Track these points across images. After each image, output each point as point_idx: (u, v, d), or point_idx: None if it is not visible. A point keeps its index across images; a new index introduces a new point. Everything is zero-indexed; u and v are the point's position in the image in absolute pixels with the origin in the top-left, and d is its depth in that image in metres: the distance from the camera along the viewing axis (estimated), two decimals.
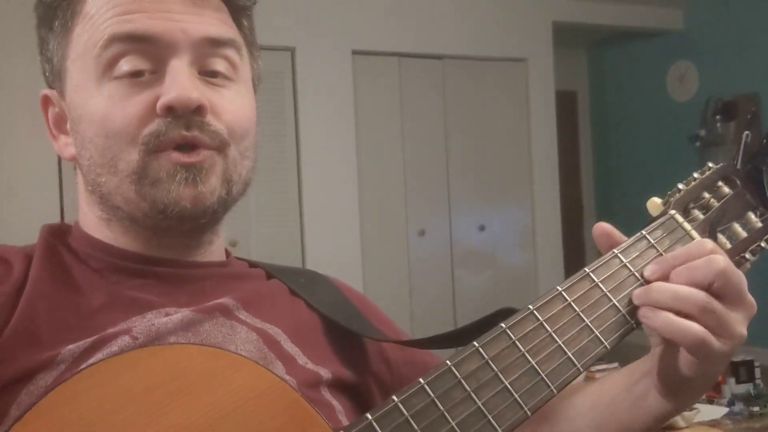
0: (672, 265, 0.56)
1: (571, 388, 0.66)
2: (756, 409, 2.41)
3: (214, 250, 0.69)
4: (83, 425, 0.45)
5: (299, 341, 0.65)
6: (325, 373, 0.64)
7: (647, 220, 0.61)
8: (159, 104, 0.59)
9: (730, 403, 2.43)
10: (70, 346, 0.55)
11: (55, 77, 0.65)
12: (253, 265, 0.73)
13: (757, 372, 2.63)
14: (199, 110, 0.60)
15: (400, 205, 4.40)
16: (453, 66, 4.56)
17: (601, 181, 6.20)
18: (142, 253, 0.64)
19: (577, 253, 5.65)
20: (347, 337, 0.70)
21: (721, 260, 0.54)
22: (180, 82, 0.59)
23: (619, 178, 5.96)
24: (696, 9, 5.30)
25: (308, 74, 4.08)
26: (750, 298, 0.56)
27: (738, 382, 2.56)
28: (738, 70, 4.98)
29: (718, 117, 4.89)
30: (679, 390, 0.57)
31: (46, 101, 0.67)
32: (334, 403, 0.63)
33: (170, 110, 0.59)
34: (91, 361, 0.54)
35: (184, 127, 0.59)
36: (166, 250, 0.65)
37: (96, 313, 0.59)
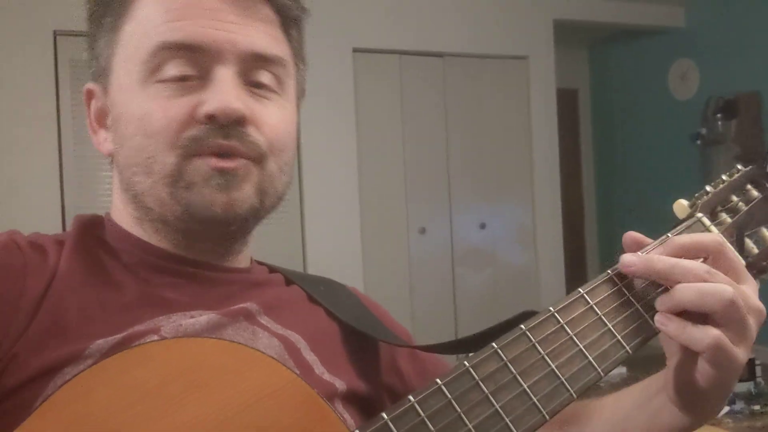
0: (675, 250, 0.56)
1: (584, 401, 0.66)
2: (757, 407, 2.42)
3: (241, 259, 0.70)
4: (96, 419, 0.45)
5: (317, 349, 0.65)
6: (340, 385, 0.64)
7: (674, 222, 0.61)
8: (201, 111, 0.59)
9: (731, 402, 2.43)
10: (99, 341, 0.55)
11: (100, 73, 0.65)
12: (272, 270, 0.73)
13: (758, 370, 2.63)
14: (240, 120, 0.60)
15: (400, 204, 4.39)
16: (454, 64, 4.56)
17: (602, 180, 6.20)
18: (174, 252, 0.64)
19: (577, 251, 5.65)
20: (364, 347, 0.70)
21: (723, 279, 0.53)
22: (225, 91, 0.59)
23: (620, 176, 5.96)
24: (697, 7, 5.28)
25: (308, 72, 4.05)
26: (759, 303, 0.55)
27: (739, 380, 2.56)
28: (739, 69, 4.97)
29: (719, 115, 4.89)
30: (695, 402, 0.56)
31: (90, 95, 0.67)
32: (346, 416, 0.63)
33: (212, 118, 0.59)
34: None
35: (222, 136, 0.59)
36: (195, 254, 0.65)
37: (125, 309, 0.59)
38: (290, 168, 0.67)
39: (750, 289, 0.55)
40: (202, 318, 0.60)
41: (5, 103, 3.42)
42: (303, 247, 4.07)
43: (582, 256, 5.84)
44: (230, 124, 0.59)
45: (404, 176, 4.41)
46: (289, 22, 0.66)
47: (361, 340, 0.69)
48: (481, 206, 4.65)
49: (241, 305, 0.63)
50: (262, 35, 0.63)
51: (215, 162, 0.60)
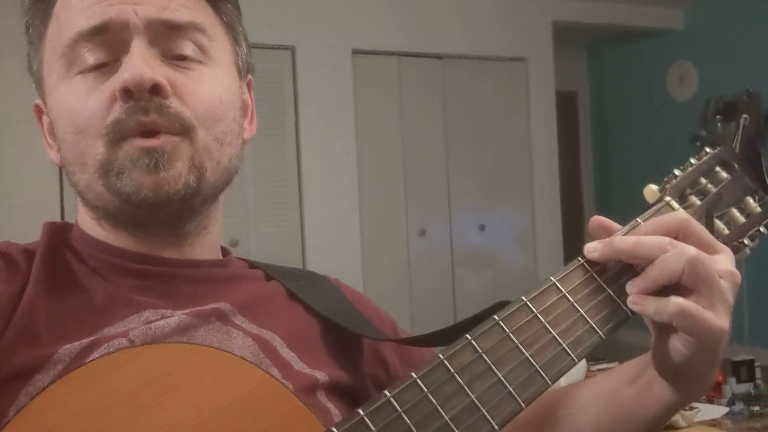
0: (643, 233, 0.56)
1: (574, 383, 0.65)
2: (756, 408, 2.41)
3: (204, 244, 0.67)
4: (70, 429, 0.45)
5: (296, 346, 0.64)
6: (321, 377, 0.63)
7: (645, 207, 0.60)
8: (115, 88, 0.57)
9: (731, 403, 2.43)
10: (67, 346, 0.55)
11: (38, 86, 0.65)
12: (252, 266, 0.72)
13: (758, 372, 2.63)
14: (156, 90, 0.58)
15: (400, 205, 4.39)
16: (453, 65, 4.56)
17: (601, 181, 6.20)
18: (138, 252, 0.63)
19: (577, 252, 5.63)
20: (346, 340, 0.69)
21: (691, 249, 0.53)
22: (134, 62, 0.57)
23: (619, 177, 5.96)
24: (696, 9, 5.29)
25: (308, 73, 4.08)
26: (733, 268, 0.55)
27: (738, 381, 2.56)
28: (738, 70, 4.97)
29: (718, 117, 4.89)
30: (681, 377, 0.56)
31: (39, 111, 0.67)
32: (330, 406, 0.62)
33: (126, 92, 0.57)
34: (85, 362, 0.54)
35: (142, 112, 0.57)
36: (154, 244, 0.64)
37: (94, 313, 0.58)
38: (234, 138, 0.64)
39: (724, 256, 0.55)
40: (172, 320, 0.59)
41: (5, 103, 3.43)
42: (303, 248, 4.07)
43: None
44: (149, 97, 0.57)
45: (404, 178, 4.41)
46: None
47: (343, 333, 0.69)
48: (481, 208, 4.65)
49: (213, 305, 0.62)
50: (173, 4, 0.60)
51: (140, 142, 0.58)
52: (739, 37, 4.98)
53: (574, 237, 5.37)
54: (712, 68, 5.17)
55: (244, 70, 0.69)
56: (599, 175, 6.22)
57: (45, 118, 0.66)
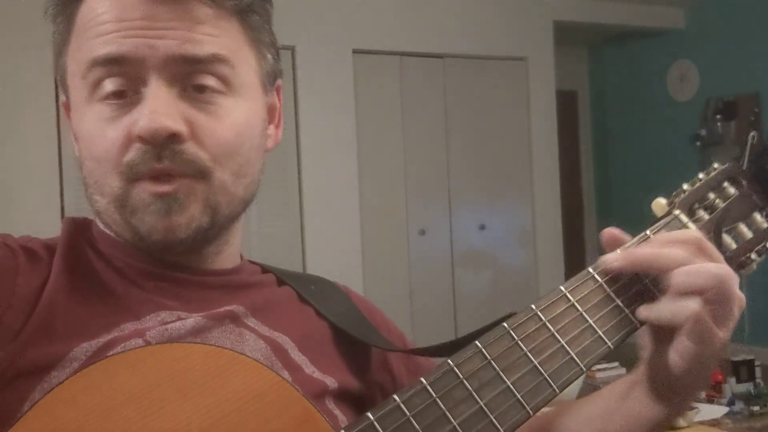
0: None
1: (571, 401, 0.65)
2: (756, 408, 2.42)
3: (225, 258, 0.68)
4: (82, 425, 0.45)
5: (307, 350, 0.65)
6: (331, 383, 0.64)
7: (652, 220, 0.61)
8: (133, 133, 0.57)
9: (731, 403, 2.43)
10: (84, 344, 0.55)
11: (63, 91, 0.65)
12: (265, 270, 0.73)
13: (758, 371, 2.63)
14: (173, 138, 0.57)
15: (400, 205, 4.40)
16: (454, 65, 4.56)
17: (602, 181, 6.20)
18: (157, 256, 0.63)
19: (577, 252, 5.65)
20: (355, 346, 0.69)
21: (712, 266, 0.54)
22: (152, 108, 0.56)
23: (620, 177, 5.96)
24: (697, 8, 5.29)
25: (308, 73, 4.08)
26: (740, 292, 0.56)
27: (738, 381, 2.57)
28: (739, 70, 4.97)
29: (718, 117, 4.90)
30: (670, 390, 0.57)
31: (67, 108, 0.66)
32: (337, 413, 0.63)
33: (142, 139, 0.57)
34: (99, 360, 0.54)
35: (156, 159, 0.57)
36: (174, 257, 0.64)
37: (112, 312, 0.59)
38: (250, 167, 0.64)
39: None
40: (188, 321, 0.60)
41: (5, 102, 3.43)
42: (303, 248, 4.08)
43: (582, 258, 5.84)
44: (165, 142, 0.57)
45: (404, 177, 4.41)
46: (236, 12, 0.61)
47: (352, 339, 0.69)
48: (481, 207, 4.65)
49: (227, 308, 0.63)
50: (191, 35, 0.58)
51: (152, 188, 0.58)
52: (739, 37, 4.98)
53: (574, 237, 5.39)
54: (712, 68, 5.17)
55: (271, 79, 0.68)
56: (599, 174, 6.22)
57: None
